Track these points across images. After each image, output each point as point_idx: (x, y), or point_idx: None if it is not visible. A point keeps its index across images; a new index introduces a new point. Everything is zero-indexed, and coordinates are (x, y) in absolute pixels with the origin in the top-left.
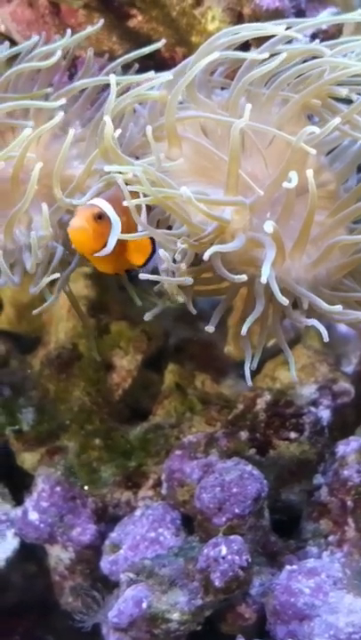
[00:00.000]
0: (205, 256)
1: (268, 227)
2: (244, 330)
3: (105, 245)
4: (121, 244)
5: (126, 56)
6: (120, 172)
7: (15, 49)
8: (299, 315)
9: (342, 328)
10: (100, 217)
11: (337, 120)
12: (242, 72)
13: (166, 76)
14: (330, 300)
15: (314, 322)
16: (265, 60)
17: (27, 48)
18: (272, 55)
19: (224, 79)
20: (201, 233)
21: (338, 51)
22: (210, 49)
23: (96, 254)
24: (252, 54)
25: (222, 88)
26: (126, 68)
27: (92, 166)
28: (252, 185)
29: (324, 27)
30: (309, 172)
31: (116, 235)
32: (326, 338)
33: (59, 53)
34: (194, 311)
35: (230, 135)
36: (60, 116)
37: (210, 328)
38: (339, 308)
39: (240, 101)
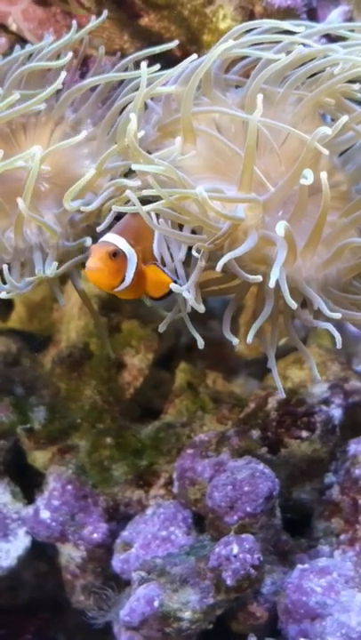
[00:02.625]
0: (218, 267)
1: (281, 229)
2: (249, 338)
3: (123, 280)
4: (140, 274)
5: (137, 54)
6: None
7: (26, 50)
8: (308, 315)
9: (353, 327)
10: (115, 254)
11: (345, 118)
12: (257, 70)
13: (178, 70)
14: (339, 301)
15: (328, 325)
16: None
17: (38, 48)
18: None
19: (239, 77)
20: (216, 232)
21: (351, 51)
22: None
23: (116, 289)
24: (267, 54)
25: (237, 87)
26: (137, 67)
27: (104, 165)
28: (265, 182)
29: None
30: (323, 175)
31: (133, 268)
32: (340, 344)
33: (70, 54)
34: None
35: (248, 130)
36: (83, 133)
37: (236, 343)
38: (338, 315)
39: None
